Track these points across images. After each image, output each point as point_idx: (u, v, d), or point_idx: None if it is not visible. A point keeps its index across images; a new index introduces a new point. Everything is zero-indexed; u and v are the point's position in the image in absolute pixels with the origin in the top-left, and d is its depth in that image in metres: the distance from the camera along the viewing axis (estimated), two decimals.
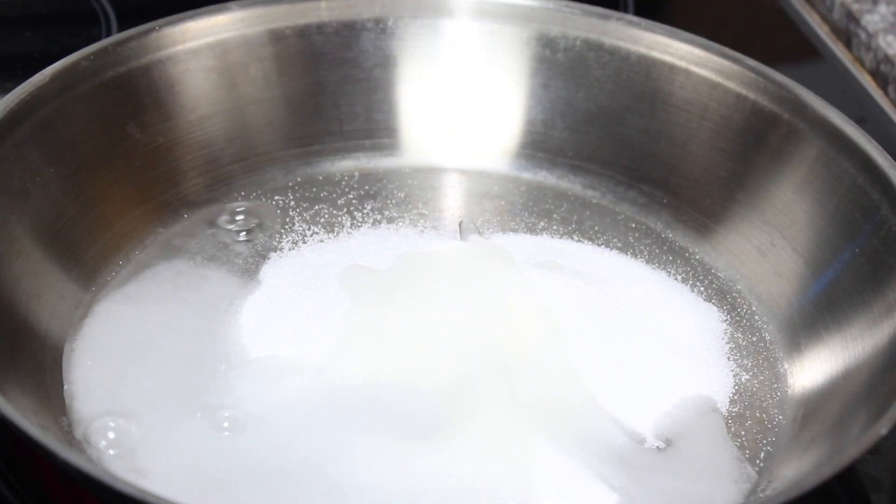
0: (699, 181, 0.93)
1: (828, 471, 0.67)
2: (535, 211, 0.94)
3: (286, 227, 0.91)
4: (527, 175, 0.97)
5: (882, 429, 0.69)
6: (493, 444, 0.75)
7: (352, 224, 0.91)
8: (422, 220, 0.93)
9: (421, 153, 0.97)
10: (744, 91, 0.92)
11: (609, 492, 0.74)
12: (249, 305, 0.84)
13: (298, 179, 0.95)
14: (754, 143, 0.91)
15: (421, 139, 0.98)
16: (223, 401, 0.77)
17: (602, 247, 0.91)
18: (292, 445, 0.74)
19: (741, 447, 0.78)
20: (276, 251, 0.89)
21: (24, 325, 0.80)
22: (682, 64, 0.94)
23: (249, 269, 0.87)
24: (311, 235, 0.90)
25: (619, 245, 0.92)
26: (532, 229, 0.93)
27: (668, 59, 0.94)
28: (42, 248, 0.83)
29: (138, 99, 0.91)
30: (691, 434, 0.78)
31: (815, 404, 0.79)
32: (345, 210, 0.92)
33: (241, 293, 0.85)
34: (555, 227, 0.93)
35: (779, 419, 0.80)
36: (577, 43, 0.96)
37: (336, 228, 0.91)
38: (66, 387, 0.78)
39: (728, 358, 0.84)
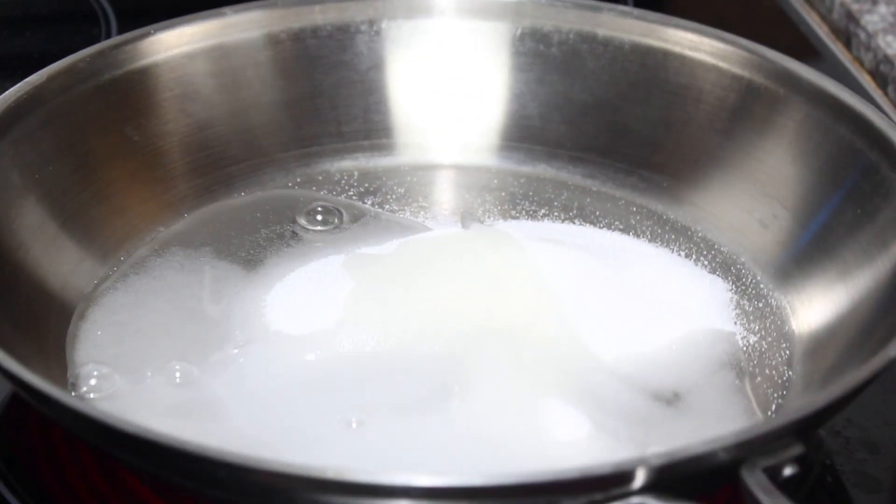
0: (698, 162, 0.93)
1: (836, 390, 0.66)
2: (536, 200, 0.94)
3: (287, 221, 0.91)
4: (526, 168, 0.97)
5: (892, 351, 0.68)
6: (502, 404, 0.74)
7: (353, 218, 0.91)
8: (422, 213, 0.93)
9: (419, 151, 0.98)
10: (739, 71, 0.92)
11: (621, 445, 0.73)
12: (254, 289, 0.83)
13: (298, 180, 0.95)
14: (751, 121, 0.91)
15: (419, 138, 0.98)
16: (224, 372, 0.76)
17: (604, 229, 0.91)
18: (302, 412, 0.74)
19: (752, 400, 0.77)
20: (278, 243, 0.89)
21: (27, 326, 0.79)
22: (677, 49, 0.94)
23: (252, 261, 0.87)
24: (314, 228, 0.90)
25: (622, 227, 0.91)
26: (533, 216, 0.93)
27: (661, 45, 0.95)
28: (40, 245, 0.83)
29: (136, 102, 0.91)
30: (701, 389, 0.77)
31: (823, 356, 0.79)
32: (345, 205, 0.92)
33: (246, 281, 0.85)
34: (556, 214, 0.93)
35: (789, 374, 0.80)
36: (571, 36, 0.97)
37: (337, 221, 0.91)
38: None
39: (735, 322, 0.83)
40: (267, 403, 0.75)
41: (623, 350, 0.79)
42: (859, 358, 0.75)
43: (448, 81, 0.98)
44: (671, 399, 0.77)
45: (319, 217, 0.91)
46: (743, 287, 0.86)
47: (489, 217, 0.92)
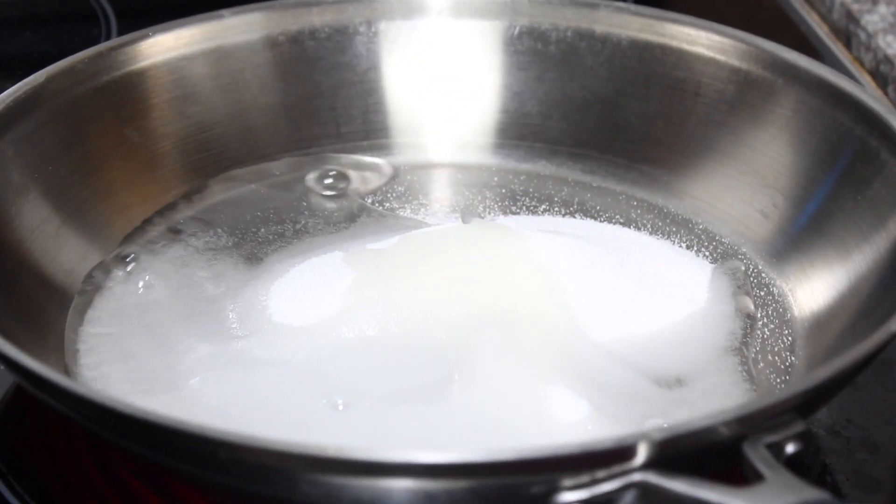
0: (698, 156, 0.93)
1: (838, 365, 0.66)
2: (536, 196, 0.94)
3: (289, 219, 0.91)
4: (526, 165, 0.97)
5: (893, 326, 0.68)
6: (505, 390, 0.74)
7: (352, 215, 0.91)
8: (423, 210, 0.93)
9: (418, 151, 0.98)
10: (736, 63, 0.92)
11: (622, 427, 0.72)
12: (254, 286, 0.83)
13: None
14: (750, 112, 0.91)
15: (418, 137, 0.98)
16: (224, 363, 0.76)
17: (605, 222, 0.91)
18: (304, 396, 0.74)
19: (755, 385, 0.77)
20: (280, 240, 0.89)
21: (29, 327, 0.79)
22: (674, 44, 0.94)
23: (254, 257, 0.87)
24: (314, 225, 0.90)
25: (622, 220, 0.91)
26: (534, 211, 0.93)
27: (659, 40, 0.95)
28: (39, 246, 0.83)
29: (135, 103, 0.91)
30: (703, 374, 0.77)
31: (825, 340, 0.78)
32: (345, 204, 0.92)
33: (247, 276, 0.85)
34: (556, 209, 0.93)
35: (791, 360, 0.79)
36: (569, 34, 0.97)
37: (337, 218, 0.91)
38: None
39: (737, 310, 0.83)
40: (257, 389, 0.74)
41: (625, 336, 0.79)
42: (861, 337, 0.75)
43: (446, 81, 0.98)
44: (673, 384, 0.77)
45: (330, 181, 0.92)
46: (745, 276, 0.86)
47: (489, 213, 0.92)
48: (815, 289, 0.83)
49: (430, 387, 0.74)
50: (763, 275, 0.86)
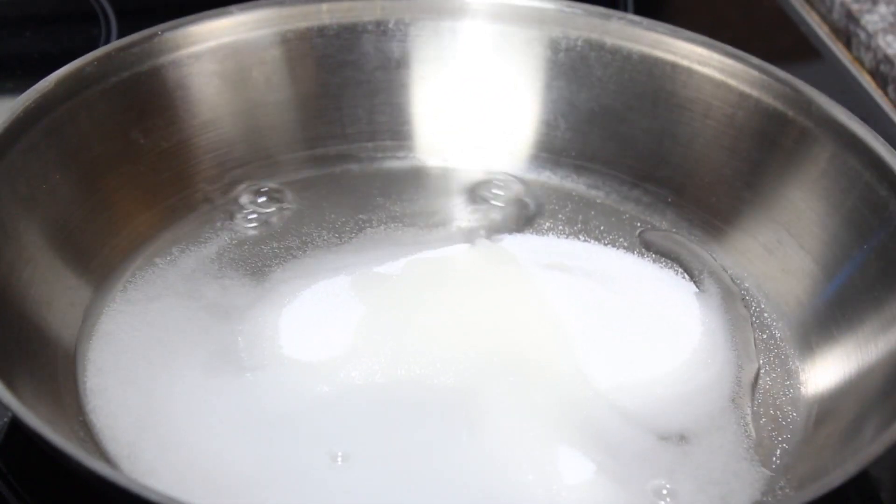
0: (704, 180, 0.93)
1: (852, 468, 0.67)
2: (540, 211, 0.94)
3: (294, 228, 0.91)
4: (530, 175, 0.97)
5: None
6: (511, 448, 0.75)
7: (357, 225, 0.91)
8: (425, 220, 0.93)
9: (422, 155, 0.97)
10: (747, 89, 0.92)
11: (624, 488, 0.73)
12: (262, 310, 0.83)
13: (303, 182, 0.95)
14: (758, 141, 0.91)
15: (422, 141, 0.98)
16: (240, 402, 0.77)
17: (609, 246, 0.91)
18: (311, 442, 0.74)
19: (757, 444, 0.78)
20: (285, 253, 0.89)
21: (36, 333, 0.79)
22: (685, 62, 0.94)
23: (259, 272, 0.87)
24: (319, 236, 0.90)
25: (626, 244, 0.92)
26: (538, 230, 0.93)
27: (670, 57, 0.94)
28: (50, 254, 0.83)
29: (143, 104, 0.90)
30: (707, 431, 0.78)
31: (829, 403, 0.80)
32: (349, 211, 0.92)
33: (253, 296, 0.85)
34: (560, 228, 0.93)
35: (793, 416, 0.80)
36: (579, 43, 0.96)
37: (341, 228, 0.91)
38: (81, 396, 0.77)
39: (740, 355, 0.84)
40: (261, 438, 0.75)
41: (630, 383, 0.80)
42: (861, 401, 0.76)
43: (454, 83, 0.97)
44: (677, 440, 0.78)
45: None
46: (748, 315, 0.86)
47: (493, 230, 0.92)
48: (818, 358, 0.83)
49: (435, 443, 0.75)
50: (765, 315, 0.87)
